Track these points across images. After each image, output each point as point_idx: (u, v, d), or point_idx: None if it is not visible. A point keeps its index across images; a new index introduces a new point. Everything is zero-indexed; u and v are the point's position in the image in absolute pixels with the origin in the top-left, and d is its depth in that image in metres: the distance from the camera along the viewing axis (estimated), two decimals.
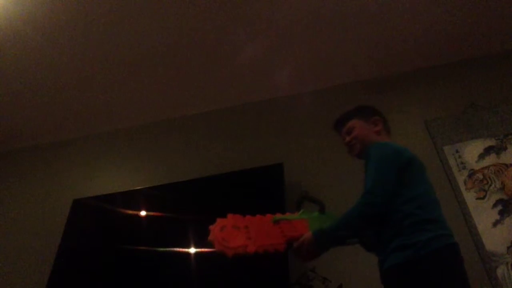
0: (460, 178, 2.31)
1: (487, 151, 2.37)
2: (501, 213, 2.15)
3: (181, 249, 2.36)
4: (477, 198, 2.22)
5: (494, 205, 2.18)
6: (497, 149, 2.36)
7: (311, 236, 1.31)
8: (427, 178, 1.39)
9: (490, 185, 2.25)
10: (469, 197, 2.23)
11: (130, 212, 2.64)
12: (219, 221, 1.29)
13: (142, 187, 2.71)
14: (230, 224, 1.29)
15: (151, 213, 2.62)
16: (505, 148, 2.35)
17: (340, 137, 1.63)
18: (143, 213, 2.63)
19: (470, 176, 2.31)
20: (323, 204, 1.48)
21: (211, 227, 1.27)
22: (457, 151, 2.41)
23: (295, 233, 1.34)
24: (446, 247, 1.23)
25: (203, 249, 2.35)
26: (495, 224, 2.12)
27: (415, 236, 1.20)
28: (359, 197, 1.31)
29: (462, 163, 2.36)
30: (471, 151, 2.39)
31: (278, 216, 1.38)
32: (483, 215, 2.16)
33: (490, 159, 2.33)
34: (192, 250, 2.35)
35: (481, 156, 2.36)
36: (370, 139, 1.50)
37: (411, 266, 1.18)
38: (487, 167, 2.31)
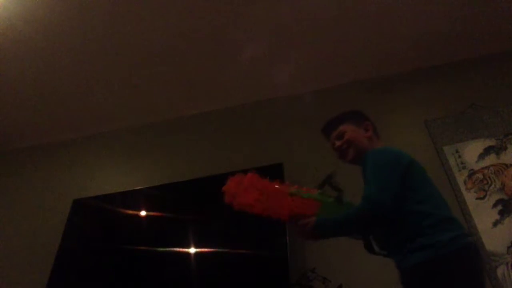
0: (460, 178, 2.31)
1: (487, 151, 2.37)
2: (501, 213, 2.15)
3: (181, 249, 2.36)
4: (477, 198, 2.22)
5: (494, 205, 2.18)
6: (497, 149, 2.36)
7: (313, 222, 1.33)
8: (430, 178, 1.40)
9: (490, 185, 2.25)
10: (469, 197, 2.23)
11: (130, 212, 2.64)
12: (238, 176, 1.32)
13: (142, 187, 2.71)
14: (247, 182, 1.32)
15: (151, 213, 2.62)
16: (505, 148, 2.35)
17: (328, 142, 1.62)
18: (143, 213, 2.63)
19: (470, 176, 2.31)
20: (341, 194, 1.46)
21: (230, 177, 1.30)
22: (457, 151, 2.41)
23: (303, 211, 1.35)
24: (467, 246, 1.24)
25: (203, 249, 2.35)
26: (495, 224, 2.12)
27: (436, 236, 1.22)
28: (360, 199, 1.31)
29: (462, 163, 2.37)
30: (471, 151, 2.39)
31: (294, 189, 1.39)
32: (483, 215, 2.16)
33: (490, 159, 2.33)
34: (192, 250, 2.35)
35: (481, 156, 2.36)
36: (362, 145, 1.50)
37: (433, 265, 1.19)
38: (487, 167, 2.31)
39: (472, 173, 2.32)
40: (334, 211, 1.37)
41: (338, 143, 1.54)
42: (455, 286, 1.17)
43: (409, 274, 1.25)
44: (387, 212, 1.25)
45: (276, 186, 1.39)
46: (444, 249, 1.19)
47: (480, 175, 2.30)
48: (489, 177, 2.28)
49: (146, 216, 2.61)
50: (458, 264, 1.19)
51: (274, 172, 2.43)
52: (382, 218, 1.26)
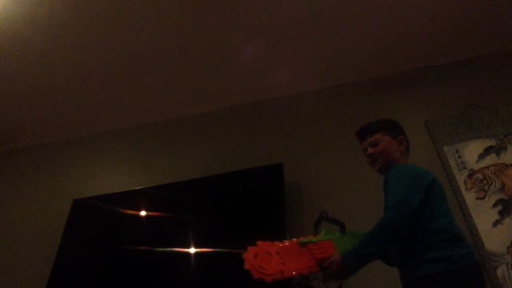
0: (460, 178, 2.31)
1: (487, 151, 2.37)
2: (501, 213, 2.15)
3: (181, 249, 2.36)
4: (477, 198, 2.22)
5: (494, 205, 2.18)
6: (497, 149, 2.36)
7: (340, 258, 1.32)
8: (446, 198, 1.45)
9: (490, 185, 2.25)
10: (469, 197, 2.23)
11: (130, 212, 2.64)
12: (251, 249, 1.29)
13: (142, 187, 2.71)
14: (262, 251, 1.30)
15: (151, 213, 2.62)
16: (505, 148, 2.35)
17: (360, 144, 1.64)
18: (143, 213, 2.63)
19: (470, 176, 2.31)
20: (343, 224, 1.49)
21: (244, 255, 1.27)
22: (457, 151, 2.41)
23: (324, 253, 1.35)
24: (475, 264, 1.29)
25: (203, 249, 2.35)
26: (495, 224, 2.12)
27: (448, 251, 1.26)
28: (379, 213, 1.34)
29: (462, 163, 2.36)
30: (471, 151, 2.39)
31: (303, 239, 1.39)
32: (483, 215, 2.15)
33: (490, 159, 2.33)
34: (192, 250, 2.35)
35: (481, 156, 2.35)
36: (393, 158, 1.53)
37: (443, 278, 1.23)
38: (487, 167, 2.31)
39: (472, 173, 2.32)
40: (347, 242, 1.39)
41: (371, 150, 1.56)
42: None
43: (420, 283, 1.27)
44: (409, 224, 1.28)
45: (286, 243, 1.37)
46: (455, 264, 1.23)
47: (480, 175, 2.30)
48: (489, 177, 2.28)
49: (146, 216, 2.61)
50: (467, 280, 1.24)
51: (274, 172, 2.43)
52: (403, 230, 1.29)
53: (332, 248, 1.37)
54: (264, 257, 1.28)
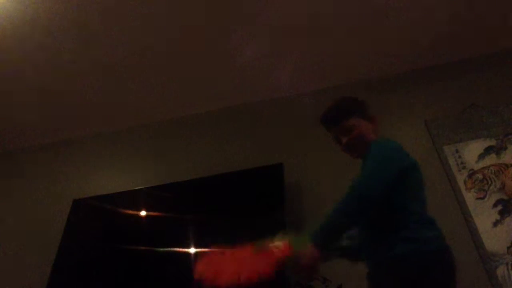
0: (460, 178, 2.31)
1: (487, 151, 2.37)
2: (501, 213, 2.15)
3: (181, 249, 2.36)
4: (477, 198, 2.22)
5: (494, 205, 2.18)
6: (497, 149, 2.36)
7: (310, 244, 1.23)
8: (423, 182, 1.39)
9: (490, 185, 2.25)
10: (469, 197, 2.23)
11: (130, 212, 2.63)
12: (204, 258, 1.28)
13: (142, 187, 2.71)
14: (215, 258, 1.28)
15: (151, 213, 2.62)
16: (505, 148, 2.35)
17: (328, 131, 1.51)
18: (143, 213, 2.63)
19: (470, 176, 2.31)
20: (297, 225, 1.41)
21: (197, 265, 1.24)
22: (457, 151, 2.41)
23: (281, 254, 1.28)
24: (447, 248, 1.26)
25: (203, 249, 2.35)
26: (495, 224, 2.12)
27: (421, 232, 1.23)
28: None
29: (462, 163, 2.36)
30: (471, 151, 2.39)
31: (255, 246, 1.32)
32: (483, 215, 2.15)
33: (490, 159, 2.33)
34: (192, 250, 2.35)
35: (481, 156, 2.36)
36: (370, 139, 1.42)
37: (415, 259, 1.19)
38: (487, 167, 2.31)
39: (472, 173, 2.32)
40: (303, 241, 1.28)
41: (346, 138, 1.43)
42: (432, 282, 1.18)
43: (388, 265, 1.24)
44: (372, 201, 1.20)
45: (240, 249, 1.31)
46: (427, 245, 1.21)
47: (480, 175, 2.30)
48: (489, 177, 2.28)
49: (146, 216, 2.61)
50: (439, 262, 1.21)
51: (274, 172, 2.43)
52: (369, 207, 1.21)
53: (288, 248, 1.28)
54: (219, 262, 1.26)
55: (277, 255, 1.27)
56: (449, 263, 1.24)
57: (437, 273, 1.19)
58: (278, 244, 1.30)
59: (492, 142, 2.38)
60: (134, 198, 2.67)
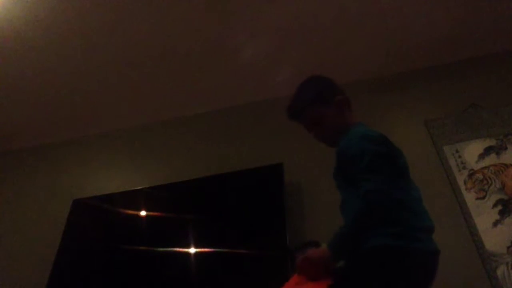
0: (460, 178, 2.31)
1: (487, 151, 2.37)
2: (501, 213, 2.14)
3: (181, 249, 2.36)
4: (477, 198, 2.22)
5: (494, 205, 2.18)
6: (497, 149, 2.36)
7: (326, 249, 1.22)
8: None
9: (490, 185, 2.25)
10: (469, 197, 2.23)
11: (130, 212, 2.64)
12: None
13: (142, 187, 2.71)
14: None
15: (151, 213, 2.62)
16: (505, 148, 2.35)
17: (298, 123, 1.42)
18: (143, 213, 2.63)
19: (470, 176, 2.31)
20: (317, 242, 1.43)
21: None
22: (457, 151, 2.41)
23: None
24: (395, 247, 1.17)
25: (203, 249, 2.35)
26: (495, 224, 2.12)
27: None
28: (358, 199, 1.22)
29: (462, 163, 2.36)
30: (471, 151, 2.39)
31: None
32: (483, 215, 2.15)
33: (490, 159, 2.33)
34: (192, 250, 2.35)
35: (481, 156, 2.35)
36: (341, 125, 1.35)
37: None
38: (487, 167, 2.31)
39: (472, 173, 2.32)
40: None
41: (312, 132, 1.38)
42: (404, 278, 1.11)
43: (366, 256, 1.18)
44: (387, 199, 1.15)
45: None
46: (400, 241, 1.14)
47: (480, 175, 2.30)
48: (489, 177, 2.28)
49: (146, 216, 2.61)
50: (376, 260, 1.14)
51: (274, 172, 2.43)
52: (384, 205, 1.16)
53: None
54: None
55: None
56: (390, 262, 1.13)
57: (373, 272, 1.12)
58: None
59: (492, 142, 2.38)
60: (134, 198, 2.67)
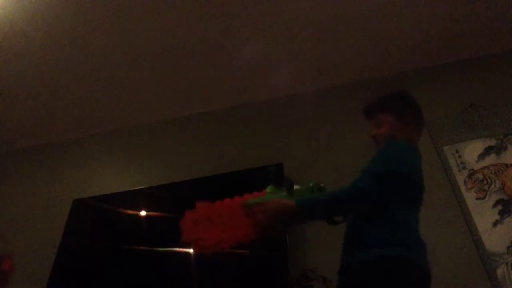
0: (460, 178, 2.31)
1: (487, 151, 2.37)
2: (501, 213, 2.15)
3: (181, 249, 2.36)
4: (477, 198, 2.22)
5: (494, 205, 2.18)
6: (497, 149, 2.36)
7: (293, 204, 1.23)
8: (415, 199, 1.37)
9: (490, 185, 2.25)
10: (469, 197, 2.23)
11: (130, 212, 2.64)
12: (189, 215, 1.23)
13: (142, 187, 2.71)
14: (202, 217, 1.24)
15: (151, 213, 2.62)
16: (505, 148, 2.35)
17: (366, 122, 1.55)
18: (143, 213, 2.63)
19: (470, 176, 2.31)
20: (291, 182, 1.42)
21: (182, 222, 1.20)
22: (457, 151, 2.41)
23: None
24: (399, 257, 1.21)
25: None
26: (495, 224, 2.12)
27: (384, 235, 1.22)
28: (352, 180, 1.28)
29: (462, 163, 2.36)
30: (471, 151, 2.39)
31: (247, 199, 1.31)
32: (483, 215, 2.15)
33: (490, 159, 2.33)
34: (192, 250, 2.35)
35: (481, 156, 2.35)
36: (395, 138, 1.44)
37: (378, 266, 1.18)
38: (487, 167, 2.31)
39: (472, 173, 2.32)
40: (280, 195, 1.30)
41: (374, 131, 1.48)
42: None
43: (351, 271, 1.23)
44: (370, 203, 1.22)
45: (228, 202, 1.30)
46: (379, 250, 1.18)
47: (480, 175, 2.30)
48: (489, 177, 2.28)
49: (146, 216, 2.61)
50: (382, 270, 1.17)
51: (274, 172, 2.43)
52: (366, 206, 1.23)
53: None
54: (204, 224, 1.22)
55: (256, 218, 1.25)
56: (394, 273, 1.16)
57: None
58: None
59: (492, 142, 2.38)
60: (134, 198, 2.67)
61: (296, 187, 1.39)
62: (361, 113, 1.57)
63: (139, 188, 2.71)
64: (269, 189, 1.36)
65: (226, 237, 1.22)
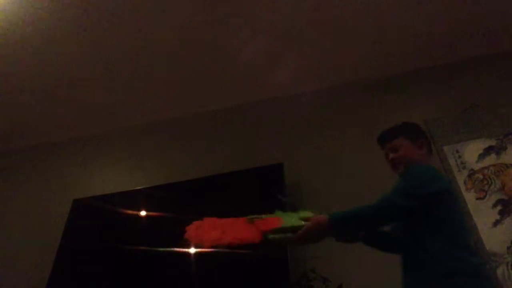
0: (460, 178, 2.31)
1: (487, 151, 2.37)
2: (501, 213, 2.15)
3: (181, 249, 2.36)
4: (477, 198, 2.22)
5: (494, 205, 2.18)
6: (497, 149, 2.36)
7: (325, 219, 1.33)
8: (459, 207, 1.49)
9: (490, 185, 2.25)
10: (469, 197, 2.23)
11: (130, 212, 2.64)
12: (195, 222, 1.34)
13: (142, 187, 2.71)
14: (205, 225, 1.34)
15: (151, 213, 2.62)
16: (505, 148, 2.34)
17: (382, 151, 1.65)
18: (143, 213, 2.63)
19: (470, 176, 2.31)
20: (295, 205, 1.51)
21: (187, 227, 1.32)
22: (457, 151, 2.41)
23: (269, 226, 1.34)
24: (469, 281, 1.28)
25: (203, 249, 2.35)
26: (495, 224, 2.12)
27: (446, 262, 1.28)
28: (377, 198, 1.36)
29: (462, 163, 2.36)
30: (471, 151, 2.39)
31: (249, 217, 1.40)
32: (483, 215, 2.15)
33: (490, 159, 2.33)
34: (192, 250, 2.35)
35: (481, 156, 2.35)
36: (414, 162, 1.53)
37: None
38: (487, 167, 2.31)
39: (472, 173, 2.32)
40: (296, 218, 1.36)
41: (391, 155, 1.57)
42: None
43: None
44: (397, 216, 1.34)
45: (233, 219, 1.40)
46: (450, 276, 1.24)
47: (480, 175, 2.30)
48: (489, 177, 2.28)
49: (146, 216, 2.61)
50: None
51: (274, 172, 2.43)
52: (392, 220, 1.35)
53: (280, 222, 1.35)
54: (206, 229, 1.33)
55: (264, 226, 1.33)
56: None
57: None
58: (271, 218, 1.37)
59: (492, 142, 2.38)
60: (134, 198, 2.67)
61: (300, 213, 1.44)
62: (378, 141, 1.67)
63: (139, 188, 2.71)
64: (278, 213, 1.44)
65: (225, 236, 1.29)
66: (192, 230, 1.32)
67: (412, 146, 1.57)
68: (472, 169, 2.32)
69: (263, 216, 1.40)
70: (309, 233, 1.33)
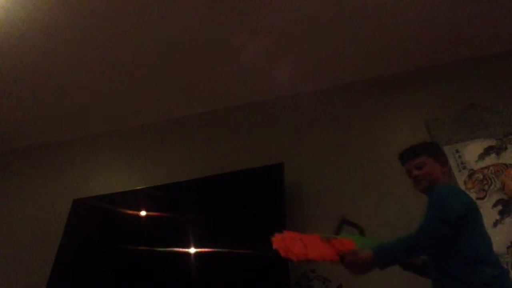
0: (460, 178, 2.31)
1: (487, 151, 2.36)
2: (501, 213, 2.15)
3: (181, 249, 2.36)
4: (477, 198, 2.21)
5: (494, 205, 2.18)
6: (497, 149, 2.36)
7: (370, 252, 1.39)
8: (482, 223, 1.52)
9: (490, 185, 2.25)
10: None
11: (130, 212, 2.64)
12: (278, 234, 1.45)
13: (142, 187, 2.71)
14: (287, 237, 1.44)
15: (151, 213, 2.62)
16: (505, 148, 2.34)
17: (403, 166, 1.69)
18: (143, 213, 2.63)
19: (470, 176, 2.31)
20: (362, 228, 1.58)
21: (272, 238, 1.42)
22: (457, 151, 2.41)
23: (345, 247, 1.43)
24: None
25: (203, 249, 2.35)
26: (495, 224, 2.12)
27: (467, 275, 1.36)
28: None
29: (462, 163, 2.36)
30: (471, 151, 2.39)
31: (322, 235, 1.49)
32: (483, 215, 2.13)
33: (490, 159, 2.33)
34: (192, 250, 2.35)
35: (481, 156, 2.35)
36: (437, 179, 1.57)
37: None
38: (487, 167, 2.31)
39: (472, 173, 2.32)
40: (366, 243, 1.47)
41: (416, 172, 1.61)
42: None
43: None
44: (435, 244, 1.39)
45: (308, 235, 1.49)
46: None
47: (480, 175, 2.30)
48: (489, 177, 2.28)
49: (146, 216, 2.61)
50: None
51: (274, 172, 2.43)
52: (436, 245, 1.40)
53: (352, 245, 1.45)
54: (289, 242, 1.41)
55: (340, 246, 1.43)
56: None
57: None
58: (344, 239, 1.47)
59: (492, 142, 2.38)
60: (134, 198, 2.67)
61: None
62: (399, 158, 1.71)
63: (139, 188, 2.71)
64: (344, 234, 1.56)
65: (309, 252, 1.39)
66: (278, 241, 1.41)
67: (435, 164, 1.61)
68: (472, 169, 2.32)
69: (335, 236, 1.51)
70: (355, 264, 1.42)
